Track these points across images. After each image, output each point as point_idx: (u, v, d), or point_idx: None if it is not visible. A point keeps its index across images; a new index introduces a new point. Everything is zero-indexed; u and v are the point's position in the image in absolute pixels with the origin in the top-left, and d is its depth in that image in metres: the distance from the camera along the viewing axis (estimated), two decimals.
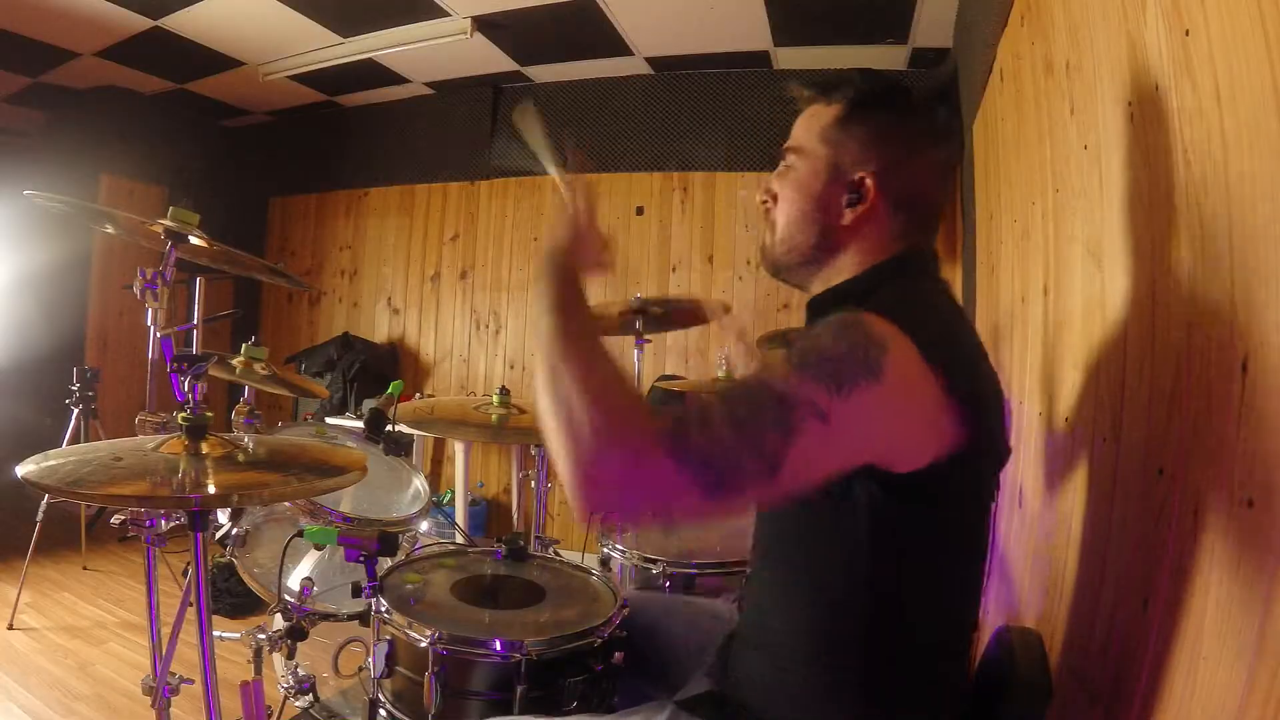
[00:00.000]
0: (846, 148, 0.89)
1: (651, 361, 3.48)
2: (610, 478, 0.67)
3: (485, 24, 3.35)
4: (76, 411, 3.05)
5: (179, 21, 3.36)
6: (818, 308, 0.93)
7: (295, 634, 1.30)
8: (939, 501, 0.80)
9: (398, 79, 4.14)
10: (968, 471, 0.80)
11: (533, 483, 2.10)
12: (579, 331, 0.76)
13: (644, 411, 0.70)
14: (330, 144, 4.73)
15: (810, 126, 0.92)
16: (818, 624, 0.85)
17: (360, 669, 1.40)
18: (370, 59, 3.75)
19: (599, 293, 3.96)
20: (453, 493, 3.73)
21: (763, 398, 0.69)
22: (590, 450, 0.67)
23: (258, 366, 1.92)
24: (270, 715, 1.53)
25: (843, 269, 0.91)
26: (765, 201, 0.96)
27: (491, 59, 3.76)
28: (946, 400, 0.74)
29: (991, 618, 1.72)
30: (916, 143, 0.90)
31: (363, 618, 1.37)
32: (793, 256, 0.93)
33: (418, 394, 4.32)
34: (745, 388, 0.73)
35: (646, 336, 2.26)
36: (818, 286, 0.94)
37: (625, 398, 0.71)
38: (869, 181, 0.87)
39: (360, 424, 1.76)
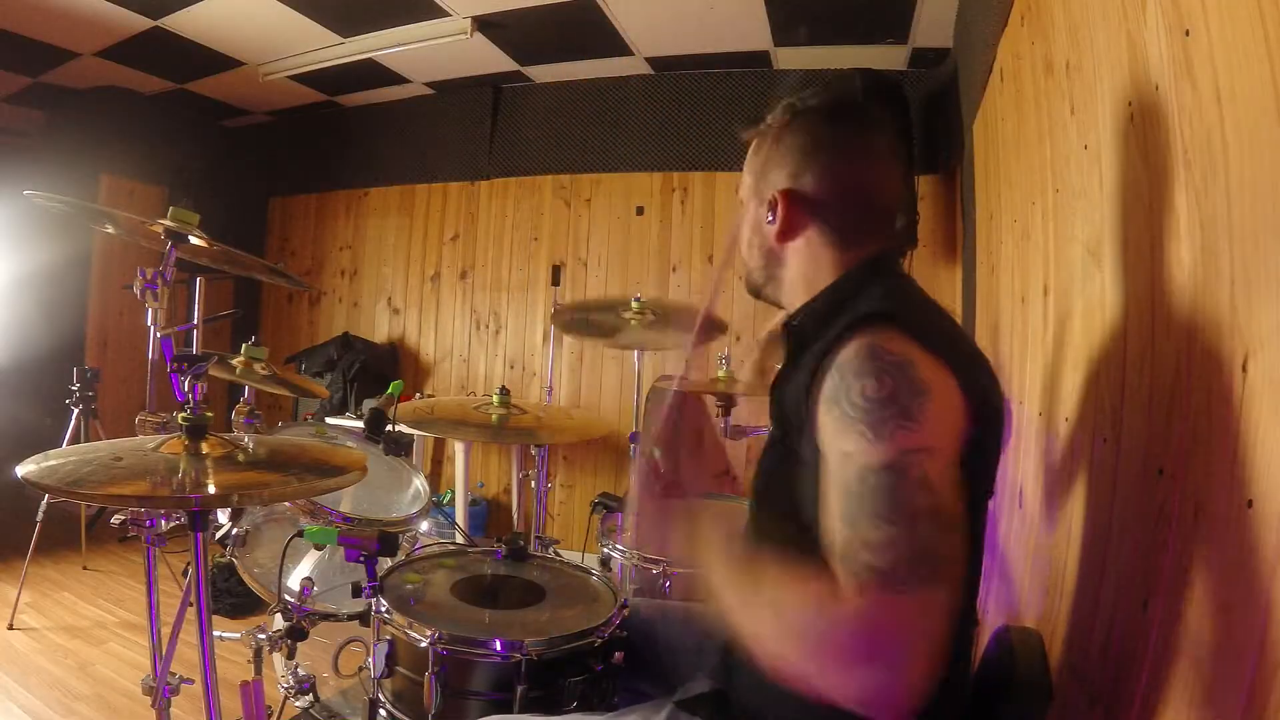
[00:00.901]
0: (763, 173, 0.96)
1: (651, 362, 3.47)
2: (861, 653, 0.63)
3: (485, 24, 3.35)
4: (76, 411, 3.05)
5: (179, 21, 3.36)
6: (795, 329, 0.95)
7: (295, 634, 1.30)
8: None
9: (398, 79, 4.14)
10: (972, 468, 0.80)
11: (533, 483, 2.10)
12: (740, 571, 0.76)
13: (826, 598, 0.66)
14: (330, 144, 4.73)
15: (750, 162, 1.00)
16: None
17: (360, 669, 1.40)
18: (370, 59, 3.75)
19: (597, 283, 3.96)
20: (453, 493, 3.73)
21: (881, 483, 0.68)
22: (823, 653, 0.65)
23: (258, 366, 1.92)
24: (270, 715, 1.53)
25: (795, 283, 0.96)
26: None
27: (491, 59, 3.76)
28: (963, 397, 0.74)
29: (991, 618, 1.72)
30: (821, 146, 0.92)
31: (363, 618, 1.37)
32: (753, 280, 1.02)
33: (418, 394, 4.32)
34: (852, 492, 0.70)
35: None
36: (786, 303, 1.00)
37: (806, 607, 0.68)
38: (778, 197, 0.92)
39: (360, 424, 1.76)
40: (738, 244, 1.03)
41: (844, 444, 0.72)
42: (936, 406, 0.71)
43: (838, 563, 0.68)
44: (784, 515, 0.90)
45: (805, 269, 0.94)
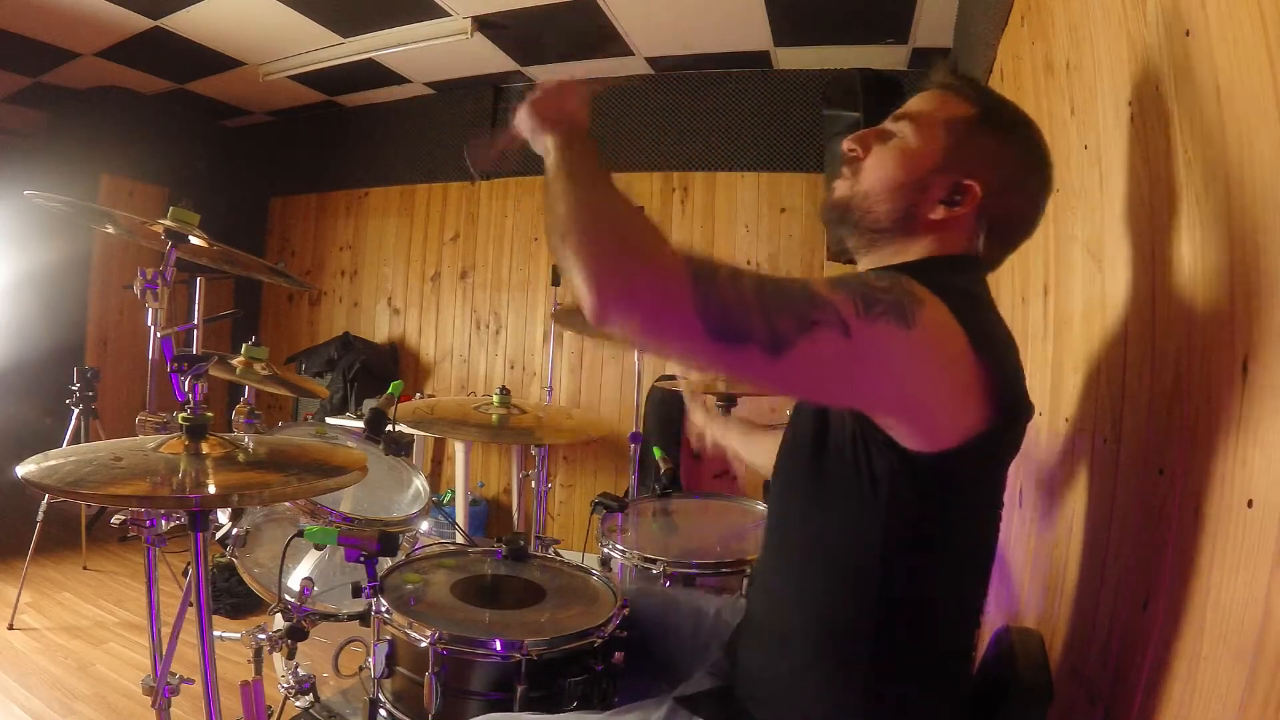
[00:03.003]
0: (968, 149, 0.87)
1: (651, 362, 3.47)
2: (628, 287, 0.67)
3: (485, 24, 3.35)
4: (77, 411, 3.05)
5: (179, 21, 3.36)
6: None
7: (295, 634, 1.30)
8: (961, 493, 0.80)
9: (398, 79, 4.14)
10: (990, 461, 0.80)
11: (533, 483, 2.11)
12: (604, 177, 0.78)
13: (673, 243, 0.70)
14: (330, 144, 4.73)
15: (937, 109, 0.90)
16: (827, 616, 0.85)
17: (360, 669, 1.40)
18: (370, 59, 3.75)
19: None
20: (453, 493, 3.73)
21: (794, 287, 0.70)
22: (616, 261, 0.68)
23: (258, 366, 1.92)
24: (270, 715, 1.53)
25: (902, 254, 0.89)
26: (854, 150, 0.92)
27: (491, 59, 3.76)
28: (979, 368, 0.74)
29: (992, 618, 1.72)
30: (1027, 172, 0.90)
31: (363, 618, 1.37)
32: (866, 218, 0.89)
33: (418, 394, 4.32)
34: (783, 276, 0.73)
35: None
36: (869, 260, 0.92)
37: (654, 230, 0.71)
38: (976, 190, 0.86)
39: (360, 424, 1.76)
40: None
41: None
42: (903, 341, 0.71)
43: (711, 257, 0.70)
44: (802, 513, 0.90)
45: (927, 251, 0.88)
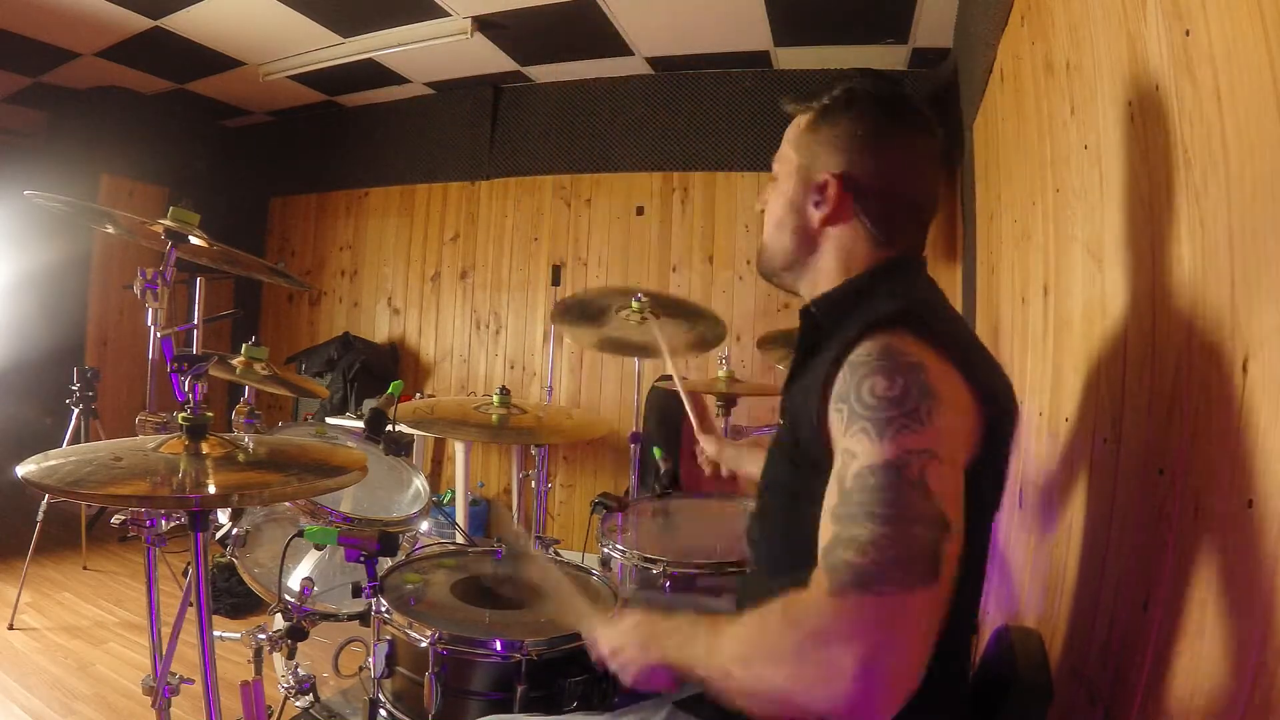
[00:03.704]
0: (814, 151, 0.91)
1: (651, 362, 3.47)
2: (852, 676, 0.60)
3: (485, 24, 3.35)
4: (77, 411, 3.05)
5: (179, 21, 3.36)
6: (810, 315, 0.94)
7: (295, 634, 1.30)
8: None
9: (398, 79, 4.14)
10: (982, 479, 0.80)
11: (533, 483, 2.10)
12: (705, 648, 0.74)
13: (797, 604, 0.66)
14: (330, 144, 4.73)
15: (789, 135, 0.96)
16: None
17: (360, 669, 1.40)
18: (370, 59, 3.76)
19: (597, 283, 3.96)
20: (453, 493, 3.73)
21: (877, 481, 0.67)
22: (806, 699, 0.62)
23: (258, 366, 1.92)
24: (270, 715, 1.54)
25: (824, 271, 0.93)
26: (762, 209, 0.99)
27: (491, 59, 3.76)
28: (976, 405, 0.74)
29: (992, 618, 1.72)
30: (883, 139, 0.90)
31: (363, 618, 1.37)
32: (775, 260, 0.96)
33: (418, 394, 4.32)
34: (847, 489, 0.69)
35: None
36: (805, 290, 0.96)
37: (772, 627, 0.67)
38: (831, 181, 0.89)
39: (360, 424, 1.76)
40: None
41: (848, 442, 0.71)
42: (945, 412, 0.70)
43: (820, 562, 0.68)
44: (786, 516, 0.90)
45: (838, 259, 0.91)
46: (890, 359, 0.73)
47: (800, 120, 0.95)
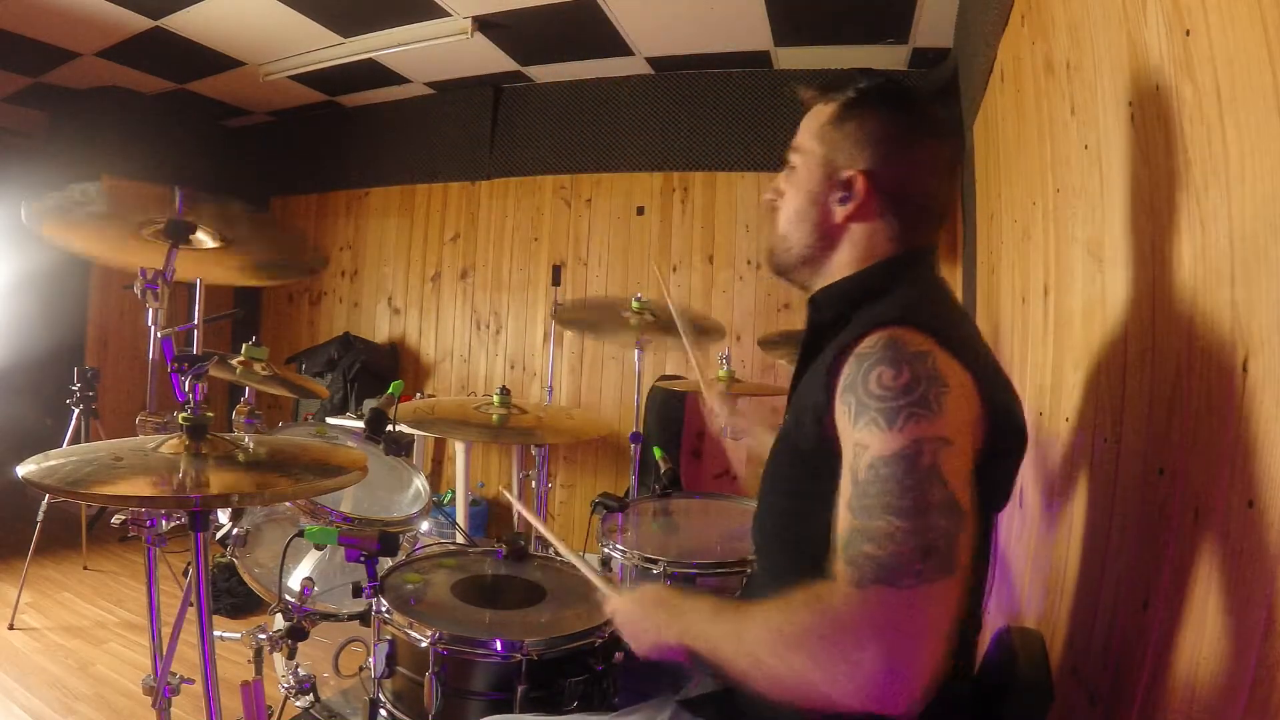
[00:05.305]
0: (839, 146, 0.90)
1: (651, 362, 3.48)
2: (859, 691, 0.62)
3: (485, 24, 3.35)
4: (77, 411, 3.05)
5: (179, 21, 3.36)
6: (819, 304, 0.94)
7: (296, 634, 1.30)
8: None
9: (398, 79, 4.14)
10: (987, 479, 0.80)
11: (533, 483, 2.11)
12: (729, 629, 0.75)
13: (821, 595, 0.67)
14: (330, 144, 4.73)
15: (809, 126, 0.94)
16: None
17: (361, 669, 1.40)
18: (370, 59, 3.75)
19: (597, 283, 3.96)
20: (453, 493, 3.73)
21: (890, 471, 0.67)
22: (831, 688, 0.63)
23: (258, 366, 1.92)
24: (270, 715, 1.54)
25: (839, 266, 0.92)
26: (772, 200, 0.97)
27: (492, 59, 3.76)
28: (980, 401, 0.74)
29: (992, 618, 1.72)
30: (911, 140, 0.89)
31: (363, 618, 1.37)
32: (791, 254, 0.95)
33: (418, 394, 4.32)
34: (860, 481, 0.70)
35: (647, 336, 2.26)
36: (818, 284, 0.95)
37: (798, 615, 0.68)
38: (859, 179, 0.88)
39: (361, 424, 1.76)
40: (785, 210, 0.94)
41: (859, 434, 0.71)
42: (953, 399, 0.70)
43: (839, 555, 0.68)
44: (788, 511, 0.90)
45: (854, 254, 0.91)
46: (897, 349, 0.73)
47: (822, 111, 0.92)
